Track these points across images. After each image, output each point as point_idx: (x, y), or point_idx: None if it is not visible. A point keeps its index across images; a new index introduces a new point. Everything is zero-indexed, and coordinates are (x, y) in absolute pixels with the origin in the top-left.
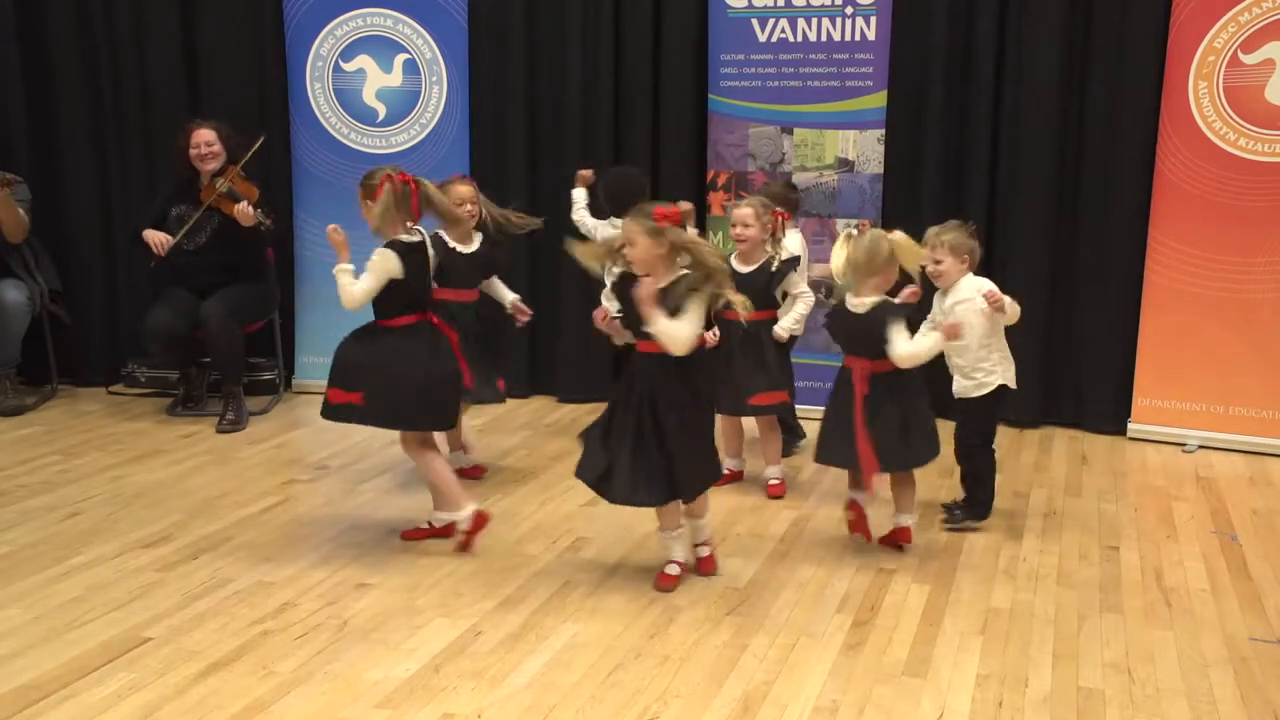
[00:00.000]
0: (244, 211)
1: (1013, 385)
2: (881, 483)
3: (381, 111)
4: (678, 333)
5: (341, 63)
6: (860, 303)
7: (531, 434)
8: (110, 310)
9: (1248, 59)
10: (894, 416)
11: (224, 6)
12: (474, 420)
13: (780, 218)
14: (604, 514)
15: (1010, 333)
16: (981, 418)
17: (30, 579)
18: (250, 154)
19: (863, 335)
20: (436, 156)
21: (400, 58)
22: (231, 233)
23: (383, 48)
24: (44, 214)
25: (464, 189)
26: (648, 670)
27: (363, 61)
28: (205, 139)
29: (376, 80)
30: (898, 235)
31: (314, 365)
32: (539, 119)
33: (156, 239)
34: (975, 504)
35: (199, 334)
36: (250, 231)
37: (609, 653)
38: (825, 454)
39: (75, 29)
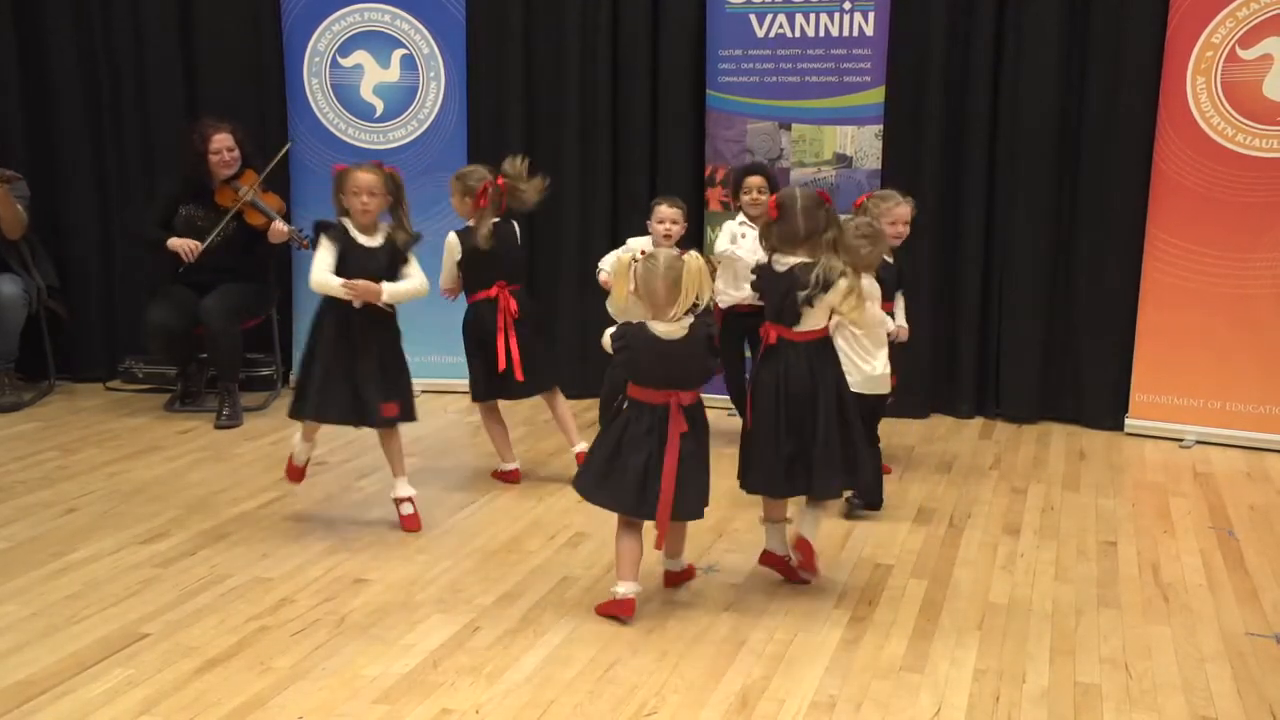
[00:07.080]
0: (278, 230)
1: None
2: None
3: (379, 107)
4: None
5: (339, 58)
6: None
7: (529, 430)
8: (108, 307)
9: (1245, 54)
10: None
11: (221, 2)
12: (475, 416)
13: None
14: (600, 510)
15: (1009, 328)
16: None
17: (28, 575)
18: (274, 163)
19: None
20: (434, 152)
21: (398, 53)
22: (245, 239)
23: (380, 43)
24: (42, 211)
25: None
26: (645, 665)
27: (360, 57)
28: (226, 144)
29: (374, 76)
30: None
31: None
32: (537, 114)
33: (186, 246)
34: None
35: (198, 331)
36: (271, 244)
37: (607, 648)
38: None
39: (72, 25)
